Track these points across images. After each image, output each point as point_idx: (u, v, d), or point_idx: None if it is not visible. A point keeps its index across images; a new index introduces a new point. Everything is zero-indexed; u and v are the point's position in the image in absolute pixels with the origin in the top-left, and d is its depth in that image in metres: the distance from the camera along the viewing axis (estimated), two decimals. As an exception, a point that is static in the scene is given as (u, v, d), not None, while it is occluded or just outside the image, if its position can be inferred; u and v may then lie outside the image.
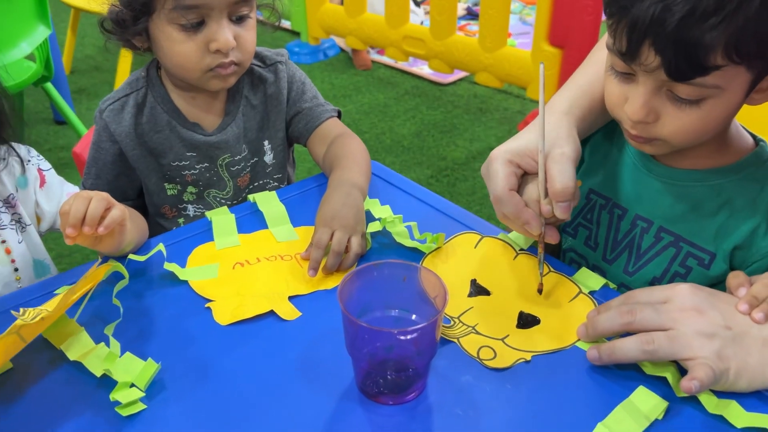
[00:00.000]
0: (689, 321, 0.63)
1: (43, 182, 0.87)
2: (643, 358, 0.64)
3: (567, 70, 2.46)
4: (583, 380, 0.66)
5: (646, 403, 0.62)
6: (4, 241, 0.85)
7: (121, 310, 0.71)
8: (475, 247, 0.83)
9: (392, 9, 2.81)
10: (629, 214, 0.82)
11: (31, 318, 0.58)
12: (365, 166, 0.93)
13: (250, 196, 0.93)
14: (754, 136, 0.79)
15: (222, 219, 0.87)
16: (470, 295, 0.76)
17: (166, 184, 1.00)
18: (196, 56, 0.88)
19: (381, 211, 0.86)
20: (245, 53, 0.91)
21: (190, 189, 1.01)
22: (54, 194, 0.87)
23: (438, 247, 0.82)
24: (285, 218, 0.88)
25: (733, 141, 0.77)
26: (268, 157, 1.03)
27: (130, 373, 0.63)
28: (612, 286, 0.78)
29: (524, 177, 0.76)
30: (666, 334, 0.63)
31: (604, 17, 0.79)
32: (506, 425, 0.61)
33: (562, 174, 0.71)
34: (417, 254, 0.81)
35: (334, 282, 0.77)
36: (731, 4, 0.60)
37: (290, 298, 0.75)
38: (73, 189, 0.90)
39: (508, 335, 0.70)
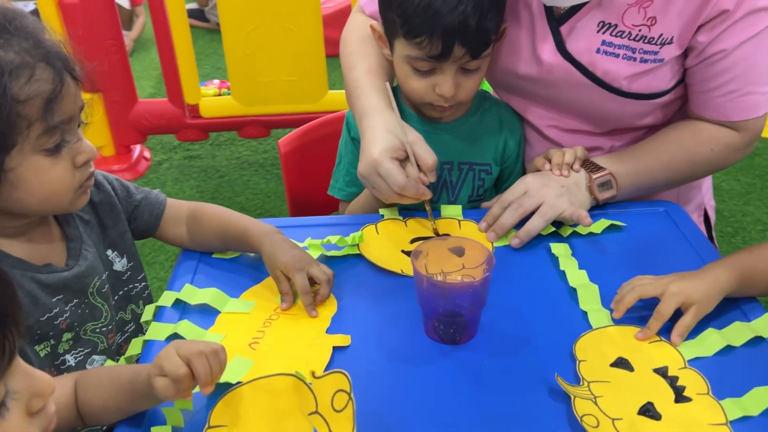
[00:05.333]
0: (548, 193, 1.02)
1: None
2: (544, 225, 1.00)
3: (111, 110, 2.53)
4: (542, 264, 0.98)
5: (560, 248, 0.99)
6: None
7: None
8: (377, 234, 1.04)
9: None
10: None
11: None
12: None
13: (171, 298, 0.92)
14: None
15: (189, 328, 0.87)
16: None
17: (36, 347, 0.88)
18: (68, 176, 0.82)
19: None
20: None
21: (66, 336, 0.90)
22: None
23: (356, 244, 1.00)
24: (225, 296, 0.92)
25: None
26: (119, 265, 0.99)
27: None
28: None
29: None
30: (545, 205, 1.00)
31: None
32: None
33: (428, 153, 0.99)
34: (354, 257, 0.99)
35: (330, 306, 0.90)
36: (494, 3, 0.97)
37: (327, 330, 0.86)
38: None
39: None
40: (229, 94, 3.19)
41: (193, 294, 0.92)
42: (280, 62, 2.45)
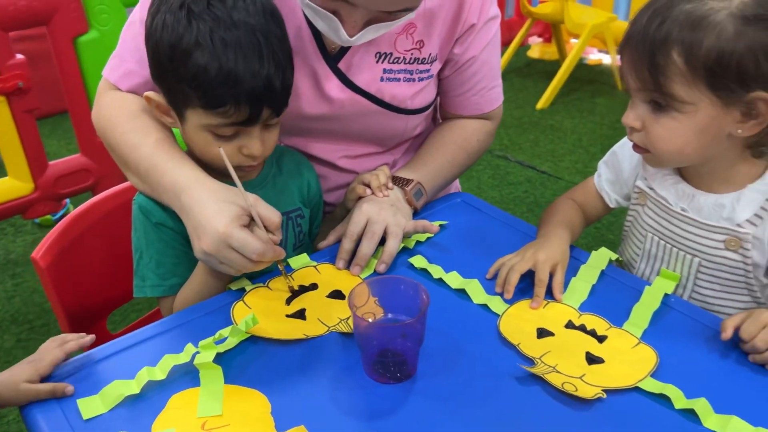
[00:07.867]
0: (386, 215, 1.07)
1: None
2: (399, 244, 1.06)
3: None
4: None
5: (418, 260, 1.06)
6: None
7: None
8: (250, 309, 0.97)
9: None
10: None
11: None
12: None
13: None
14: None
15: None
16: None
17: None
18: None
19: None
20: None
21: None
22: None
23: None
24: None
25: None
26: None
27: None
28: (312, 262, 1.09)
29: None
30: (391, 226, 1.06)
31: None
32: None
33: (271, 211, 0.95)
34: (243, 343, 0.91)
35: (259, 404, 0.83)
36: (288, 57, 0.97)
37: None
38: None
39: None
40: None
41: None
42: None
